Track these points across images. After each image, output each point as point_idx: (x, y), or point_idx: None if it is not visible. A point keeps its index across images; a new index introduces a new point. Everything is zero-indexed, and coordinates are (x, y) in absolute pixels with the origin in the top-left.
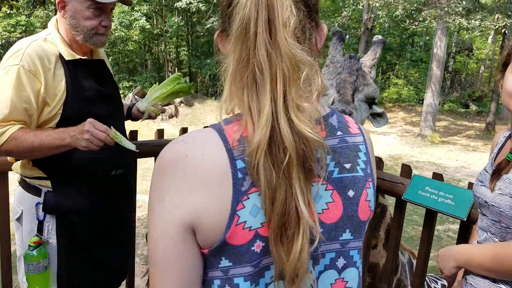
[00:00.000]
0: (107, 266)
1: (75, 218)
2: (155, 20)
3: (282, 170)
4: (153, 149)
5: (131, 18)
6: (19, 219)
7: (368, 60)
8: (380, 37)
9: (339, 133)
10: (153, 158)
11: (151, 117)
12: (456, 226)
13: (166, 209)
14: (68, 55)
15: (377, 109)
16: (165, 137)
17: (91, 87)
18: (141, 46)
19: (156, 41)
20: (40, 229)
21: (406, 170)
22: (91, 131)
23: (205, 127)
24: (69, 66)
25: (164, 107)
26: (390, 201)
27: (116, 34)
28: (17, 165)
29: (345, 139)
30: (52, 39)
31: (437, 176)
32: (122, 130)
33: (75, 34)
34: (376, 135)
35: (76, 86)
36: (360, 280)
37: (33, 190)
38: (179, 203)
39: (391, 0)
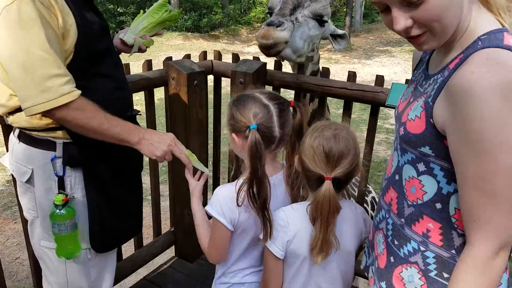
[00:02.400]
0: (133, 212)
1: (100, 166)
2: None
3: None
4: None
5: None
6: (29, 180)
7: None
8: None
9: None
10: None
11: (141, 50)
12: None
13: None
14: None
15: (338, 30)
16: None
17: (94, 20)
18: None
19: None
20: (61, 186)
21: (380, 80)
22: (173, 147)
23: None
24: (71, 1)
25: (152, 37)
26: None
27: None
28: (17, 117)
29: None
30: None
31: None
32: (123, 67)
33: None
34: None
35: (83, 20)
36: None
37: (44, 144)
38: None
39: None
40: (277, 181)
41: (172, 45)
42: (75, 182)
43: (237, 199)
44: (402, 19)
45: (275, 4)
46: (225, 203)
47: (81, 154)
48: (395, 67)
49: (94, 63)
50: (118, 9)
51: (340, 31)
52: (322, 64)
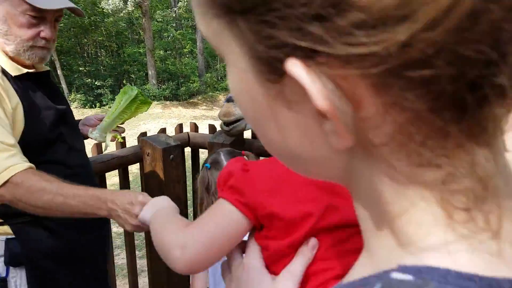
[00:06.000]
0: None
1: (48, 264)
2: None
3: None
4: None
5: None
6: None
7: None
8: None
9: None
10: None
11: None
12: None
13: None
14: (14, 69)
15: None
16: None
17: (46, 105)
18: None
19: None
20: None
21: None
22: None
23: None
24: (18, 83)
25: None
26: None
27: None
28: None
29: None
30: None
31: None
32: (83, 152)
33: (5, 44)
34: None
35: (31, 106)
36: None
37: None
38: None
39: None
40: None
41: (151, 113)
42: (19, 283)
43: None
44: None
45: None
46: None
47: (24, 250)
48: None
49: (43, 150)
50: (96, 83)
51: None
52: None
